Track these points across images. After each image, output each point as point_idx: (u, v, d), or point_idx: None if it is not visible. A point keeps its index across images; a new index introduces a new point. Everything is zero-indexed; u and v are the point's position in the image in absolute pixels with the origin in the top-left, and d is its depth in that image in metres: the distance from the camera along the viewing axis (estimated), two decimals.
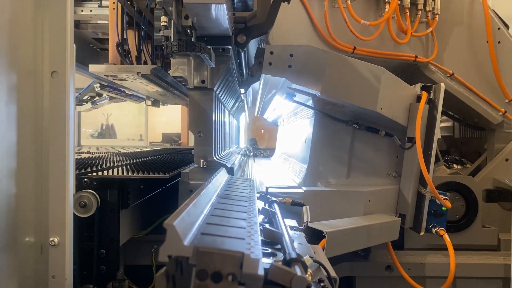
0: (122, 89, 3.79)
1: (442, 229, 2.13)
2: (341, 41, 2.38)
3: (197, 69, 2.10)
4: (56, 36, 1.30)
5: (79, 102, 4.37)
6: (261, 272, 0.66)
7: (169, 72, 2.24)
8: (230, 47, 2.04)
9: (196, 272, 0.64)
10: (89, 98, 4.40)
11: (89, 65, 2.63)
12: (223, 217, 0.91)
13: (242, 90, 3.27)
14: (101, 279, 1.80)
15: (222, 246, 0.69)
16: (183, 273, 0.68)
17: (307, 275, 0.81)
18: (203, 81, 2.10)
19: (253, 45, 2.52)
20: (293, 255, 0.85)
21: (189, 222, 0.76)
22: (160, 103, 4.67)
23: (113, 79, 2.85)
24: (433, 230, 2.15)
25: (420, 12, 2.48)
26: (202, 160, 2.12)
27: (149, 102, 4.47)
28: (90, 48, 3.52)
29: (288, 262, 0.83)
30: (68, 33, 1.31)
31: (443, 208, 2.14)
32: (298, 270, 0.78)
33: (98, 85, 3.65)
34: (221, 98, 2.66)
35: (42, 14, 1.30)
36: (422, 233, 2.17)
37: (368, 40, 2.38)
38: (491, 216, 2.56)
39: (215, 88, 2.15)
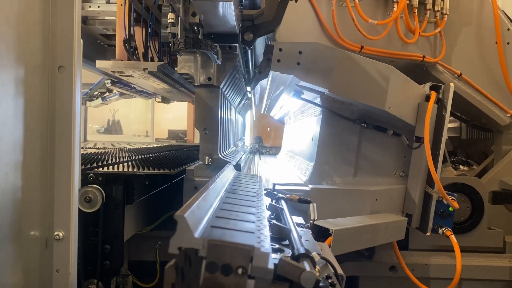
0: (133, 85, 3.79)
1: (448, 230, 2.11)
2: (349, 40, 2.36)
3: (204, 66, 2.09)
4: (64, 31, 1.30)
5: (90, 97, 4.38)
6: (271, 266, 0.65)
7: (175, 69, 2.23)
8: (237, 45, 2.03)
9: (206, 265, 0.64)
10: (99, 93, 4.41)
11: (96, 61, 2.63)
12: (232, 211, 0.90)
13: (249, 88, 3.27)
14: (105, 274, 1.80)
15: (232, 239, 0.69)
16: (192, 265, 0.68)
17: (315, 271, 0.80)
18: (209, 79, 2.09)
19: (260, 43, 2.51)
20: (302, 251, 0.85)
21: (199, 215, 0.75)
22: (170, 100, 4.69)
23: (120, 75, 2.85)
24: (440, 231, 2.13)
25: (428, 12, 2.46)
26: (207, 158, 2.12)
27: (159, 99, 4.48)
28: (97, 44, 3.52)
29: (297, 258, 0.82)
30: (75, 29, 1.31)
31: (450, 209, 2.12)
32: (307, 266, 0.77)
33: (109, 81, 3.65)
34: (227, 95, 2.66)
35: (50, 9, 1.29)
36: (428, 234, 2.15)
37: (375, 40, 2.37)
38: (497, 218, 2.53)
39: (221, 86, 2.14)
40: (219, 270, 0.63)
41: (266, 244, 0.69)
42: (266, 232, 0.78)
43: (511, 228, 2.53)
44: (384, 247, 2.29)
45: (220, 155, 2.19)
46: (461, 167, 3.09)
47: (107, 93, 4.39)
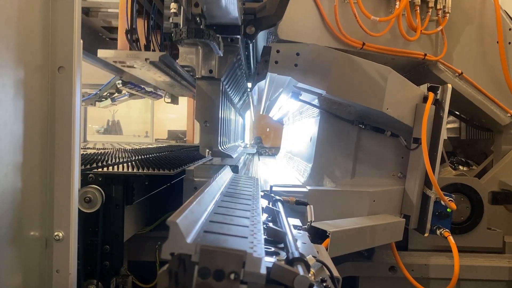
0: (142, 86, 3.77)
1: (446, 231, 2.11)
2: (351, 37, 2.36)
3: (205, 58, 2.08)
4: (64, 31, 1.30)
5: (99, 98, 4.36)
6: (263, 271, 0.66)
7: (177, 61, 2.22)
8: (239, 37, 2.02)
9: (198, 270, 0.64)
10: (108, 94, 4.39)
11: (98, 50, 2.60)
12: (227, 215, 0.90)
13: (249, 85, 3.26)
14: (105, 274, 1.80)
15: (224, 245, 0.69)
16: (186, 270, 0.68)
17: (309, 275, 0.81)
18: (210, 71, 2.09)
19: (261, 40, 2.50)
20: (296, 255, 0.85)
21: (192, 219, 0.76)
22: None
23: (121, 65, 2.82)
24: (438, 232, 2.13)
25: (430, 10, 2.45)
26: (207, 150, 2.12)
27: (168, 99, 4.47)
28: (99, 37, 3.49)
29: (291, 262, 0.83)
30: (75, 29, 1.31)
31: (448, 210, 2.13)
32: (300, 270, 0.78)
33: (120, 81, 3.64)
34: (228, 91, 2.65)
35: (50, 9, 1.29)
36: (426, 235, 2.16)
37: (377, 36, 2.36)
38: (497, 218, 2.53)
39: (222, 79, 2.14)
40: (211, 276, 0.64)
41: (259, 249, 0.69)
42: (260, 236, 0.78)
43: (511, 229, 2.53)
44: (383, 247, 2.29)
45: (220, 148, 2.19)
46: (460, 167, 3.09)
47: (116, 94, 4.38)
